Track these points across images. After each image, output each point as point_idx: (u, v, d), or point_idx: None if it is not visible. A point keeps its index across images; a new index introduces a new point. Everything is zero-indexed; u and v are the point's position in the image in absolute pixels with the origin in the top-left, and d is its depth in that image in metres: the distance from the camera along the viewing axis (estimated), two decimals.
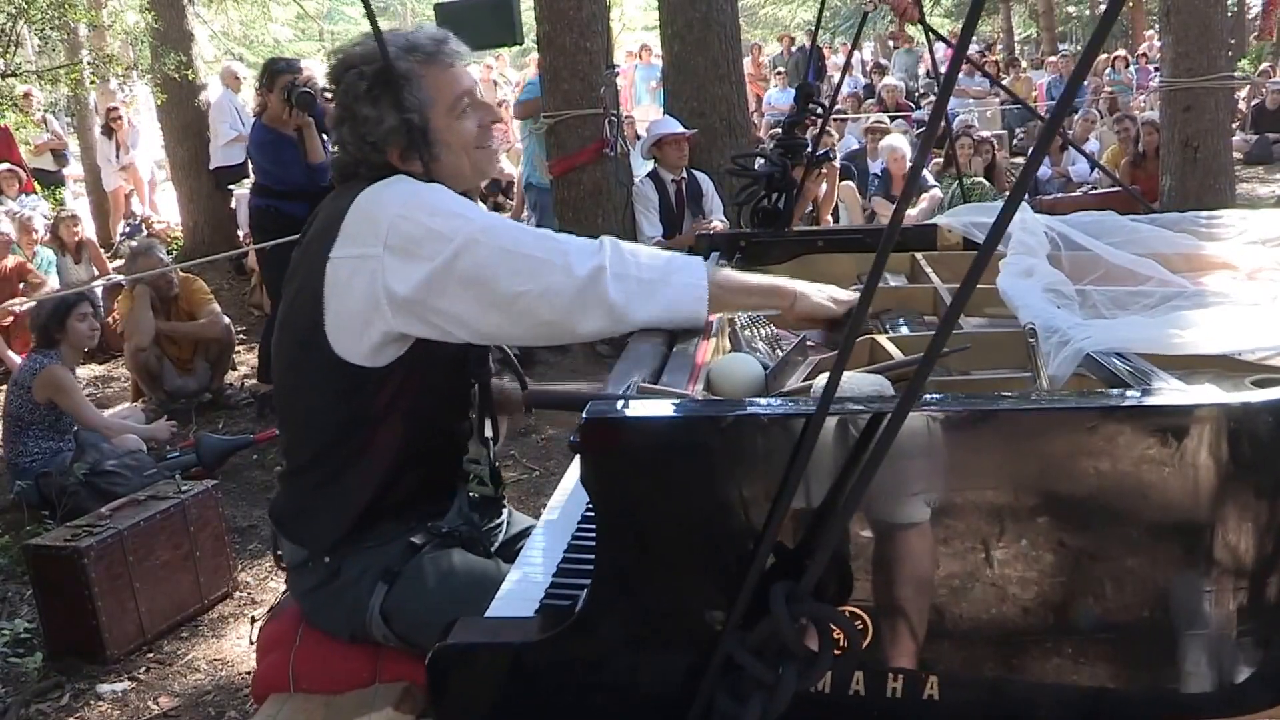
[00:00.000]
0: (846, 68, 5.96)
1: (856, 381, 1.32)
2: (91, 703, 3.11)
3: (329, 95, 1.75)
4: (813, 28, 16.16)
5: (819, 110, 2.58)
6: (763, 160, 2.45)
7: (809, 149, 2.53)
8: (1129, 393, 1.28)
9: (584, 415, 1.18)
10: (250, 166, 6.27)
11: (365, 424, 1.67)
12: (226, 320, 5.88)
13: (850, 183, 7.74)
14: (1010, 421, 1.17)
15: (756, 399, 1.43)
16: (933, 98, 12.85)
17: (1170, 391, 1.20)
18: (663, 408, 1.23)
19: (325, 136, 5.10)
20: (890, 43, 15.32)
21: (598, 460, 1.19)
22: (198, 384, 5.73)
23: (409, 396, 1.67)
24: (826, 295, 1.71)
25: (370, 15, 1.72)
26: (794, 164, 2.42)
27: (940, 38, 2.88)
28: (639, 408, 1.23)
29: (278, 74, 5.24)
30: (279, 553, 1.85)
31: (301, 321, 1.65)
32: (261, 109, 5.45)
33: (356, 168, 1.70)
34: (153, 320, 5.51)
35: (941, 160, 7.96)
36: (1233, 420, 1.14)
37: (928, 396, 1.20)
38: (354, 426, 1.68)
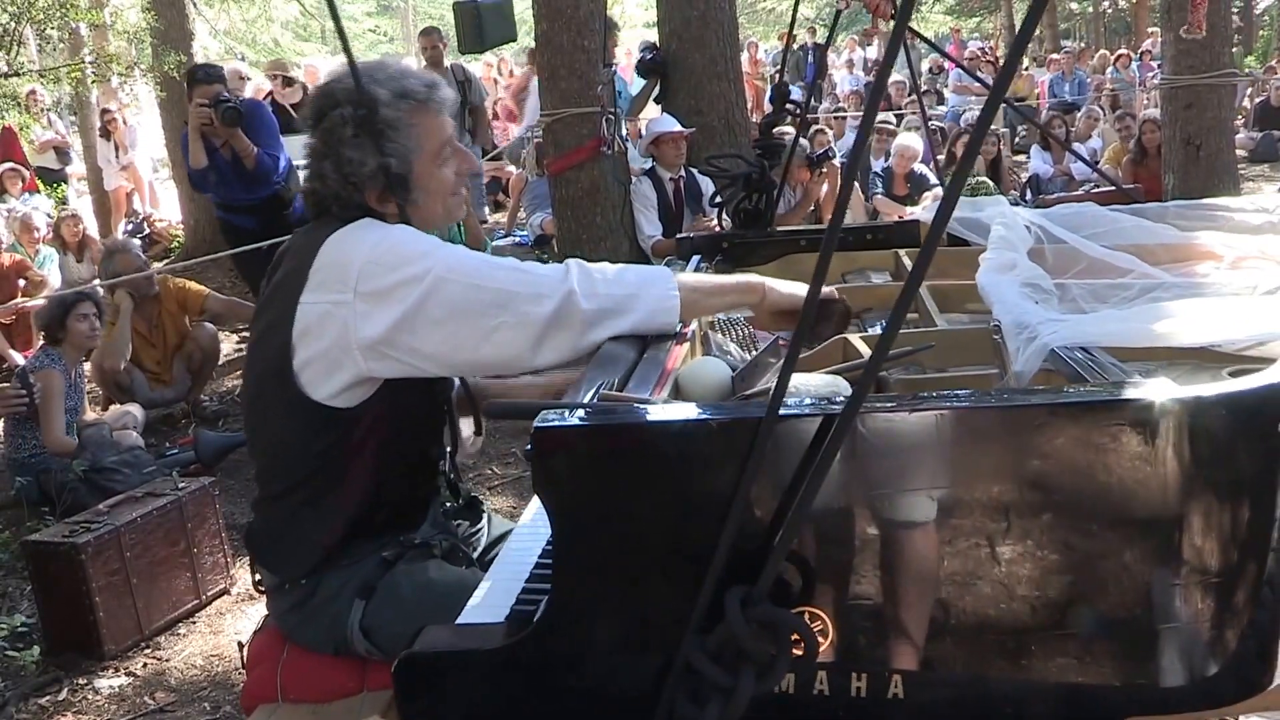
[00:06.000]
0: (822, 68, 5.98)
1: (812, 383, 1.33)
2: (89, 697, 3.14)
3: (311, 124, 1.71)
4: (812, 25, 16.15)
5: (795, 111, 2.58)
6: (739, 160, 2.45)
7: (787, 149, 2.53)
8: (1080, 389, 1.27)
9: (534, 424, 1.18)
10: None
11: (339, 458, 1.68)
12: (213, 329, 5.58)
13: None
14: (960, 420, 1.16)
15: (710, 404, 1.42)
16: (933, 92, 12.82)
17: (1124, 386, 1.19)
18: (612, 415, 1.23)
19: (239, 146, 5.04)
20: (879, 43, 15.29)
21: (549, 469, 1.19)
22: (174, 394, 5.38)
23: (383, 428, 1.67)
24: (797, 288, 1.71)
25: (354, 70, 1.64)
26: (772, 165, 2.43)
27: (919, 35, 2.89)
28: (589, 416, 1.23)
29: (196, 84, 5.05)
30: (257, 577, 1.86)
31: (272, 362, 1.66)
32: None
33: (331, 203, 1.70)
34: (129, 343, 5.10)
35: (944, 159, 7.92)
36: (1188, 414, 1.13)
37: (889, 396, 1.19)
38: (327, 461, 1.68)
